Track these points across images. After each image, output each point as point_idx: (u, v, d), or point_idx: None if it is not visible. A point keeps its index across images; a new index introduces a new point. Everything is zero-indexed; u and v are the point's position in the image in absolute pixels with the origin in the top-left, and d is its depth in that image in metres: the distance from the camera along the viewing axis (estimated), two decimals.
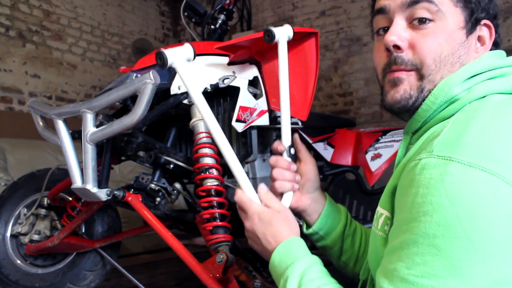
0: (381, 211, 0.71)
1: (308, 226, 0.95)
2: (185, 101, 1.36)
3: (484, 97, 0.64)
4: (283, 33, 1.06)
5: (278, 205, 0.82)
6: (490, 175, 0.53)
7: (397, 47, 0.68)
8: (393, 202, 0.66)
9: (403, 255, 0.56)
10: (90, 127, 1.22)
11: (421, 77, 0.68)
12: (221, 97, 1.52)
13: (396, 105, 0.70)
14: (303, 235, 0.90)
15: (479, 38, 0.71)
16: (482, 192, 0.52)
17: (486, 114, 0.60)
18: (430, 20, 0.67)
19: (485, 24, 0.71)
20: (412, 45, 0.68)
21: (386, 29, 0.72)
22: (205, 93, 1.37)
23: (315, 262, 0.74)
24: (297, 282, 0.70)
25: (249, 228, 0.82)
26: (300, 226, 0.95)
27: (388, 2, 0.70)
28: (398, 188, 0.63)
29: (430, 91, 0.67)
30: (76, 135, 1.35)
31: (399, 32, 0.68)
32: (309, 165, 0.95)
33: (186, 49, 0.90)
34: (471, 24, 0.69)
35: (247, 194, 0.84)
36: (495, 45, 0.73)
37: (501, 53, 0.72)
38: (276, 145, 0.97)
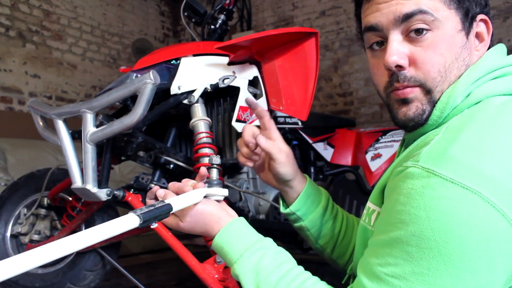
0: (373, 207, 0.71)
1: (286, 205, 0.93)
2: (185, 101, 1.36)
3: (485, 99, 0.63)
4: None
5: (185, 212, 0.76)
6: (470, 193, 0.53)
7: (399, 66, 0.65)
8: (383, 199, 0.67)
9: (378, 253, 0.59)
10: (90, 127, 1.22)
11: (427, 91, 0.65)
12: (221, 97, 1.52)
13: (410, 123, 0.67)
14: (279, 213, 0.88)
15: (477, 35, 0.69)
16: (459, 210, 0.53)
17: (479, 124, 0.58)
18: (428, 30, 0.64)
19: (481, 20, 0.69)
20: (413, 61, 0.65)
21: (380, 43, 0.69)
22: (205, 93, 1.38)
23: (264, 254, 0.70)
24: (253, 279, 0.68)
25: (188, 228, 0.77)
26: (277, 206, 0.94)
27: (378, 19, 0.66)
28: (386, 189, 0.64)
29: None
30: (76, 135, 1.35)
31: (398, 50, 0.65)
32: (273, 142, 0.88)
33: None
34: (468, 23, 0.67)
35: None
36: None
37: (501, 48, 0.70)
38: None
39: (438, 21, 0.64)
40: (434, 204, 0.53)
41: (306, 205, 0.91)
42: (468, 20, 0.67)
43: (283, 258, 0.71)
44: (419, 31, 0.64)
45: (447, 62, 0.64)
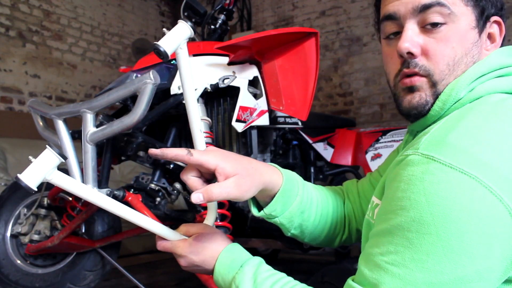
0: (376, 201, 0.72)
1: (260, 207, 0.84)
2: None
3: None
4: (178, 41, 0.77)
5: (197, 228, 0.79)
6: (468, 177, 0.54)
7: (411, 53, 0.67)
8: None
9: (379, 242, 0.59)
10: (90, 127, 1.22)
11: (433, 84, 0.67)
12: (221, 97, 1.52)
13: (413, 111, 0.69)
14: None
15: (489, 36, 0.71)
16: (458, 194, 0.53)
17: (478, 115, 0.60)
18: (443, 24, 0.66)
19: (495, 21, 0.70)
20: (425, 51, 0.67)
21: (396, 34, 0.71)
22: (205, 93, 1.38)
23: (261, 262, 0.74)
24: (251, 284, 0.69)
25: (188, 265, 0.79)
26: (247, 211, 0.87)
27: (397, 7, 0.69)
28: (386, 179, 0.65)
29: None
30: (76, 135, 1.35)
31: (412, 38, 0.67)
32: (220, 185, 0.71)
33: (183, 29, 0.76)
34: (482, 22, 0.69)
35: (166, 238, 0.80)
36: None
37: (511, 49, 0.71)
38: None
39: (453, 15, 0.66)
40: (434, 189, 0.54)
41: (281, 203, 0.82)
42: (482, 19, 0.68)
43: (274, 270, 0.73)
44: (434, 25, 0.66)
45: (457, 56, 0.67)
